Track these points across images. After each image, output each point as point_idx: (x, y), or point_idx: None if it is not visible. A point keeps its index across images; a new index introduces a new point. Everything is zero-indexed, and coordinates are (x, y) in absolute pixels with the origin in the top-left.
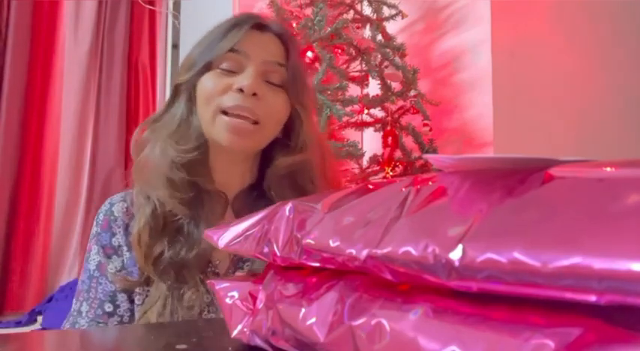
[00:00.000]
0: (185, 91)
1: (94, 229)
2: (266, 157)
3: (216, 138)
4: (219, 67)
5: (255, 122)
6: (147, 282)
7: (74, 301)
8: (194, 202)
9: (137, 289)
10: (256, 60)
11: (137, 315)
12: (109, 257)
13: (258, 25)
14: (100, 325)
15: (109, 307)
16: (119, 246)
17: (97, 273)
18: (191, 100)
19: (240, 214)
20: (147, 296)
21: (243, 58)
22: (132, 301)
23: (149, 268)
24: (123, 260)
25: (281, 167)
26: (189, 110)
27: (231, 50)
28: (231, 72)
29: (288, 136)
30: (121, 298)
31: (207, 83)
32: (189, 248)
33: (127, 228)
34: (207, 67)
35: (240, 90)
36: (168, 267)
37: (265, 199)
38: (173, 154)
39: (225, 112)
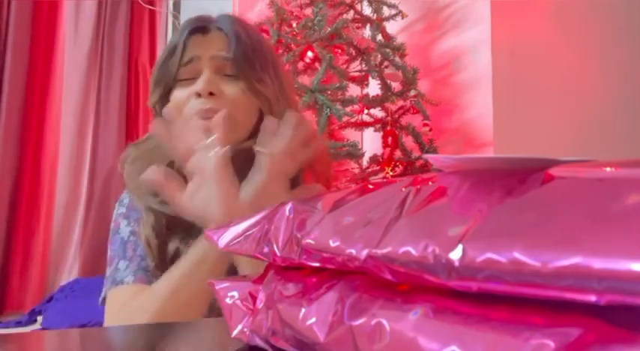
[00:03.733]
0: (158, 112)
1: (120, 210)
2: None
3: None
4: (179, 79)
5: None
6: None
7: (108, 269)
8: None
9: None
10: (205, 59)
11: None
12: (138, 222)
13: (198, 29)
14: (146, 273)
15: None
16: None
17: (132, 238)
18: None
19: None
20: None
21: (195, 63)
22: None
23: (166, 268)
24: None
25: (238, 151)
26: None
27: (183, 64)
28: (190, 80)
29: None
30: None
31: (173, 98)
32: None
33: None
34: (168, 88)
35: (198, 95)
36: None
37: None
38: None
39: None
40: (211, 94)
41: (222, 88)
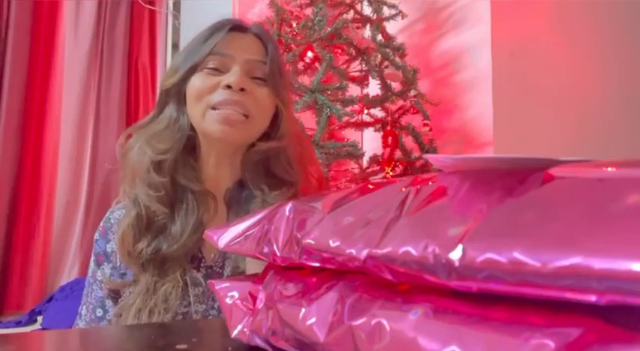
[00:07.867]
0: (173, 95)
1: (94, 237)
2: None
3: (209, 131)
4: (206, 68)
5: (245, 116)
6: (134, 283)
7: (82, 299)
8: (175, 201)
9: (124, 293)
10: (240, 59)
11: (115, 310)
12: (98, 265)
13: (238, 26)
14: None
15: (99, 312)
16: (112, 252)
17: (91, 280)
18: (180, 102)
19: (231, 208)
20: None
21: (227, 59)
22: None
23: (131, 263)
24: (115, 266)
25: (256, 152)
26: (179, 111)
27: (214, 53)
28: (217, 71)
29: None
30: (109, 304)
31: (196, 82)
32: (170, 244)
33: None
34: (193, 70)
35: (228, 86)
36: (149, 262)
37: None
38: (150, 154)
39: (214, 108)
40: (242, 89)
41: (252, 87)
